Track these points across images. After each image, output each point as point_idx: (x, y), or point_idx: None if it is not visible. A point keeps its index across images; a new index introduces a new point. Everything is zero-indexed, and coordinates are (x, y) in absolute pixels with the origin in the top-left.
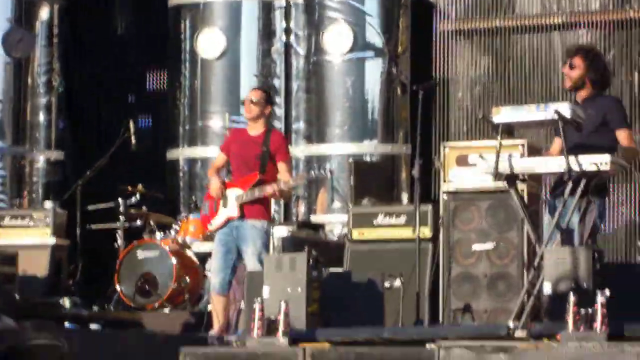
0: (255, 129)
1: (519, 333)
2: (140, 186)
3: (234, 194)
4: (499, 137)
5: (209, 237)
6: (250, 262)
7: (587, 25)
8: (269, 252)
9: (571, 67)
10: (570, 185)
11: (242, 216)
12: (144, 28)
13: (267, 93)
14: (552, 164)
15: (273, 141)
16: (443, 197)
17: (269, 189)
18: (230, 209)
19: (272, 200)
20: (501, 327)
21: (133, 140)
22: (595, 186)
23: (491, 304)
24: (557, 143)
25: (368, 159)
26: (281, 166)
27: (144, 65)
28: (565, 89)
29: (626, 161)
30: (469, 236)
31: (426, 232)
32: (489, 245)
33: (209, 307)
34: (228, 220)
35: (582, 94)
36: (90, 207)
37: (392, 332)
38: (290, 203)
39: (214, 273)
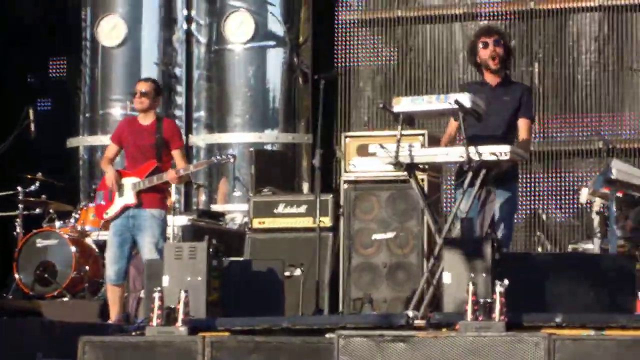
0: (146, 119)
1: (418, 322)
2: (39, 174)
3: (131, 182)
4: (399, 127)
5: (107, 226)
6: (147, 252)
7: (488, 16)
8: (166, 242)
9: (497, 44)
10: (470, 175)
11: (140, 204)
12: (48, 15)
13: (156, 83)
14: (453, 154)
15: (166, 129)
16: (343, 186)
17: (166, 176)
18: (126, 197)
19: (173, 190)
20: (400, 316)
21: (32, 128)
22: (507, 173)
23: (391, 293)
24: (453, 126)
25: (269, 148)
26: (176, 153)
27: (46, 53)
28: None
29: (525, 152)
30: (369, 226)
31: (327, 221)
32: (389, 235)
33: (107, 293)
34: (125, 209)
35: (497, 78)
36: None
37: (292, 321)
38: (191, 190)
39: (110, 263)
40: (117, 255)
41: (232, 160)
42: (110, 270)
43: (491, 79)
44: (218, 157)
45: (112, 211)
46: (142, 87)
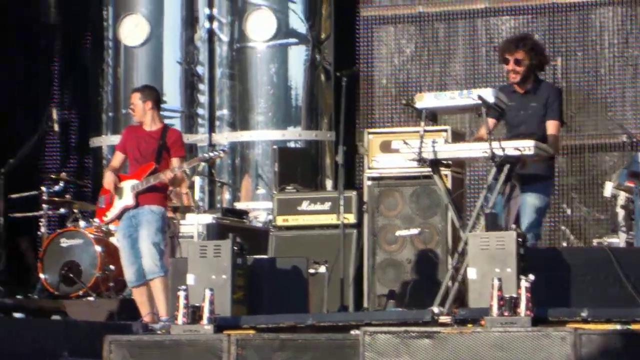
0: (151, 125)
1: (444, 318)
2: (63, 174)
3: (129, 185)
4: (422, 123)
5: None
6: (144, 246)
7: (511, 11)
8: (169, 239)
9: (517, 63)
10: (494, 170)
11: (138, 204)
12: (68, 16)
13: (142, 90)
14: (476, 149)
15: (170, 136)
16: (367, 183)
17: (163, 176)
18: (125, 199)
19: (197, 188)
20: (425, 312)
21: (55, 128)
22: (540, 172)
23: (416, 289)
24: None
25: (292, 145)
26: (175, 160)
27: (68, 52)
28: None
29: (550, 148)
30: (393, 222)
31: (350, 218)
32: (413, 231)
33: (133, 295)
34: (124, 211)
35: (526, 86)
36: (14, 196)
37: (317, 318)
38: (215, 188)
39: (126, 267)
40: (131, 256)
41: (222, 155)
42: (129, 273)
43: (518, 87)
44: (210, 154)
45: (111, 214)
46: (131, 99)
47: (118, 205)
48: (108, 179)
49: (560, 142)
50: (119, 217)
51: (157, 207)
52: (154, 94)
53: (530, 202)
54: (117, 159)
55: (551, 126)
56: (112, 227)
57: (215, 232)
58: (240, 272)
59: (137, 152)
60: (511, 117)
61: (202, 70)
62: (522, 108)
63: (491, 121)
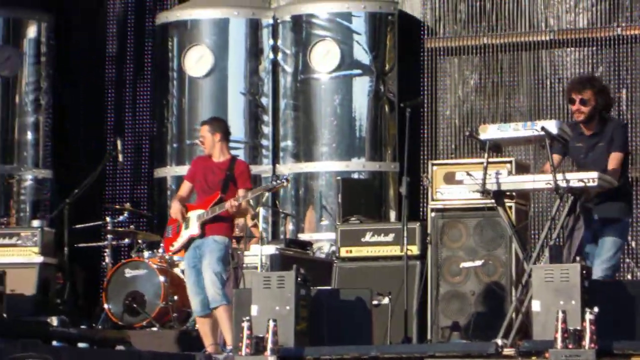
0: (219, 156)
1: (508, 351)
2: (127, 204)
3: (196, 214)
4: (486, 155)
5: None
6: (206, 275)
7: (575, 43)
8: (228, 269)
9: (583, 103)
10: (557, 202)
11: (204, 234)
12: (132, 46)
13: (211, 122)
14: (540, 181)
15: (237, 167)
16: (431, 214)
17: (227, 205)
18: (192, 229)
19: (261, 220)
20: (490, 344)
21: (120, 159)
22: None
23: (479, 321)
24: (555, 159)
25: (356, 176)
26: (241, 192)
27: (132, 83)
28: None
29: (613, 180)
30: (457, 254)
31: (414, 249)
32: (477, 263)
33: (197, 326)
34: (190, 240)
35: (592, 126)
36: (78, 226)
37: (381, 350)
38: (278, 220)
39: (192, 297)
40: (196, 286)
41: (285, 184)
42: (194, 303)
43: (585, 129)
44: (273, 183)
45: (178, 243)
46: (200, 132)
47: (184, 234)
48: (175, 209)
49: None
50: (185, 246)
51: (220, 237)
52: (222, 126)
53: (608, 239)
54: (185, 188)
55: (613, 158)
56: (176, 257)
57: (279, 263)
58: (303, 303)
59: (204, 182)
60: (579, 159)
61: (266, 101)
62: (590, 150)
63: (556, 157)
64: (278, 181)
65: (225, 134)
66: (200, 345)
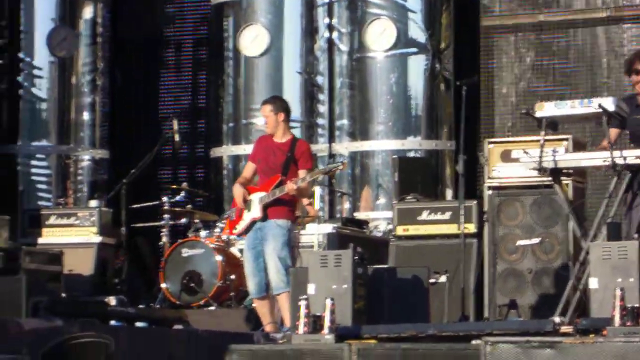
0: (281, 137)
1: (565, 328)
2: (184, 184)
3: (258, 197)
4: (542, 132)
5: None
6: (270, 261)
7: (632, 20)
8: (292, 252)
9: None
10: (615, 179)
11: (266, 217)
12: (188, 26)
13: (274, 101)
14: (597, 158)
15: (298, 148)
16: (487, 192)
17: (287, 188)
18: (254, 211)
19: (317, 198)
20: (547, 322)
21: (177, 139)
22: None
23: (537, 299)
24: (613, 133)
25: (412, 155)
26: (302, 172)
27: (188, 63)
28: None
29: None
30: (513, 232)
31: (471, 228)
32: (534, 241)
33: (254, 305)
34: (252, 223)
35: None
36: (136, 206)
37: (438, 328)
38: (335, 198)
39: (248, 278)
40: (254, 268)
41: (341, 167)
42: (251, 285)
43: None
44: (329, 166)
45: (240, 226)
46: (263, 111)
47: (247, 217)
48: (237, 192)
49: None
50: (248, 229)
51: (283, 220)
52: (285, 106)
53: None
54: (248, 169)
55: None
56: (232, 237)
57: (336, 241)
58: (360, 281)
59: (265, 164)
60: (636, 130)
61: (321, 80)
62: None
63: (614, 131)
64: (334, 164)
65: (288, 114)
66: (258, 323)
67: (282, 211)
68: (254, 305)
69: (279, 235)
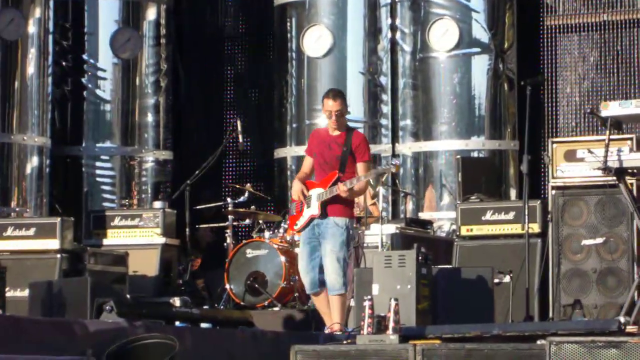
0: (338, 130)
1: (630, 328)
2: (248, 185)
3: (316, 193)
4: (607, 132)
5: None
6: (327, 260)
7: None
8: (356, 252)
9: None
10: None
11: (324, 214)
12: (250, 27)
13: (343, 96)
14: None
15: (354, 141)
16: (551, 192)
17: (338, 189)
18: (312, 208)
19: (380, 199)
20: (612, 322)
21: (240, 140)
22: None
23: (601, 299)
24: None
25: (476, 155)
26: (360, 166)
27: (250, 64)
28: None
29: None
30: (578, 231)
31: (535, 227)
32: (598, 241)
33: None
34: (311, 220)
35: None
36: (199, 207)
37: (503, 328)
38: (398, 199)
39: (302, 274)
40: (308, 266)
41: (393, 169)
42: (304, 281)
43: None
44: (383, 166)
45: (300, 222)
46: (335, 107)
47: (306, 214)
48: (296, 188)
49: None
50: (307, 225)
51: (341, 219)
52: (345, 99)
53: None
54: (307, 164)
55: None
56: (296, 237)
57: (400, 242)
58: (424, 282)
59: (322, 157)
60: None
61: (385, 80)
62: None
63: None
64: (386, 166)
65: (346, 107)
66: (322, 324)
67: (340, 209)
68: (314, 303)
69: (337, 234)
